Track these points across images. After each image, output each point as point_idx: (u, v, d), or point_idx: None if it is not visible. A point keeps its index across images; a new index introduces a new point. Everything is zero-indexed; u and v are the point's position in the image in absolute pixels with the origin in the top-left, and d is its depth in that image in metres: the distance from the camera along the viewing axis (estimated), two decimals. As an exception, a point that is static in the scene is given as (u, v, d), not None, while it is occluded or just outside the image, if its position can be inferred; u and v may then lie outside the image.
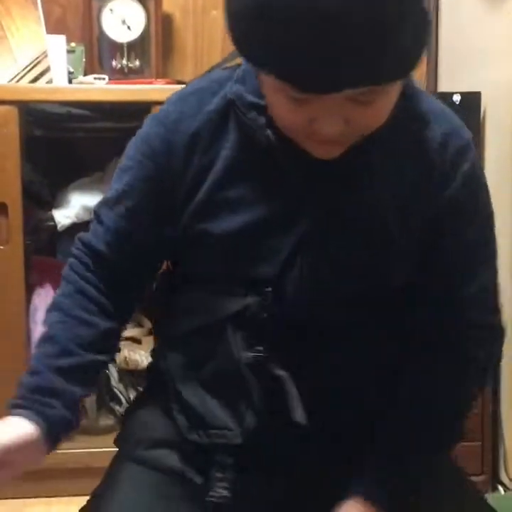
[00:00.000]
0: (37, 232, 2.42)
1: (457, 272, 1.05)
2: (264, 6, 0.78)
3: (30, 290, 2.33)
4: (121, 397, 2.42)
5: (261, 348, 1.02)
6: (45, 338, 1.07)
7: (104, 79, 2.37)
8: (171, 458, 1.09)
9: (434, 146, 1.01)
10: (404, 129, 1.00)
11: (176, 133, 1.02)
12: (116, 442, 1.16)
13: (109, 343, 1.11)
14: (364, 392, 1.06)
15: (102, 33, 2.52)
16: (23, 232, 2.23)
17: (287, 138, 0.95)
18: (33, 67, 2.32)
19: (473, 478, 2.14)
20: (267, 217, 1.00)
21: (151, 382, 1.21)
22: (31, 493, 2.26)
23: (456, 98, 2.33)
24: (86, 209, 2.35)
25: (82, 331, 1.07)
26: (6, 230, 2.22)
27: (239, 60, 1.01)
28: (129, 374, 2.45)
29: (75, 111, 2.38)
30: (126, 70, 2.52)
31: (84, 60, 2.51)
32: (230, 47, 0.90)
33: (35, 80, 2.31)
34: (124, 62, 2.52)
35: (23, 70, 2.31)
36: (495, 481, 2.32)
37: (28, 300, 2.32)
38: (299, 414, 1.00)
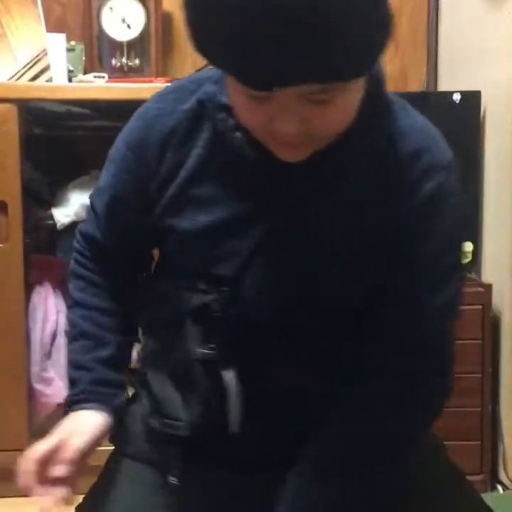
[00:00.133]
0: (36, 231, 2.42)
1: (403, 304, 1.03)
2: (212, 1, 0.79)
3: (29, 288, 2.33)
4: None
5: (214, 346, 1.04)
6: (78, 334, 1.14)
7: (103, 77, 2.38)
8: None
9: (402, 161, 0.99)
10: (375, 142, 0.99)
11: (152, 129, 1.05)
12: (111, 440, 1.17)
13: (131, 323, 1.18)
14: (309, 398, 1.06)
15: (101, 31, 2.52)
16: (23, 231, 2.24)
17: (256, 141, 0.95)
18: (32, 66, 2.32)
19: (473, 478, 2.15)
20: (230, 218, 1.02)
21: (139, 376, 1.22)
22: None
23: (456, 97, 2.32)
24: (85, 207, 2.35)
25: (106, 319, 1.14)
26: (5, 228, 2.22)
27: None
28: (128, 373, 2.45)
29: (74, 109, 2.38)
30: (125, 69, 2.52)
31: (84, 58, 2.51)
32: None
33: (34, 78, 2.31)
34: (124, 60, 2.52)
35: (23, 68, 2.32)
36: (494, 480, 2.32)
37: (28, 298, 2.32)
38: (233, 421, 1.04)
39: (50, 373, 2.34)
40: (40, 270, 2.39)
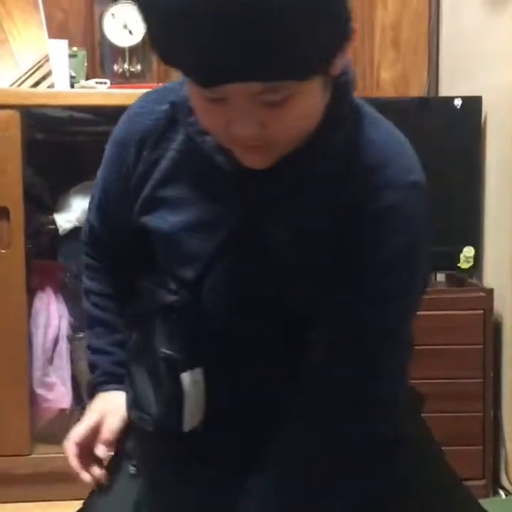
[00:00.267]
0: (38, 236, 2.42)
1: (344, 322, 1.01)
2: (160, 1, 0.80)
3: (31, 294, 2.33)
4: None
5: (176, 347, 1.05)
6: (92, 321, 1.21)
7: (105, 83, 2.38)
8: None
9: (361, 174, 0.98)
10: (336, 151, 0.98)
11: (132, 127, 1.07)
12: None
13: None
14: (268, 401, 1.07)
15: (103, 37, 2.53)
16: (25, 236, 2.24)
17: (222, 148, 0.97)
18: (34, 72, 2.33)
19: (474, 483, 2.15)
20: (196, 221, 1.03)
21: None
22: (32, 497, 2.26)
23: (457, 102, 2.33)
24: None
25: (114, 304, 1.20)
26: (7, 233, 2.22)
27: None
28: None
29: (76, 115, 2.39)
30: (127, 74, 2.53)
31: (86, 64, 2.52)
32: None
33: (37, 84, 2.31)
34: (126, 66, 2.53)
35: (25, 74, 2.32)
36: (496, 485, 2.32)
37: (30, 304, 2.32)
38: (186, 421, 1.05)
39: (52, 378, 2.34)
40: (42, 275, 2.39)
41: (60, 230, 2.38)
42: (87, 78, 2.49)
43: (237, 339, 1.06)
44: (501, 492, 2.30)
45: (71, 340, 2.35)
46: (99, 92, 2.31)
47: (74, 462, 1.10)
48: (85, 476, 1.10)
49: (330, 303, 1.01)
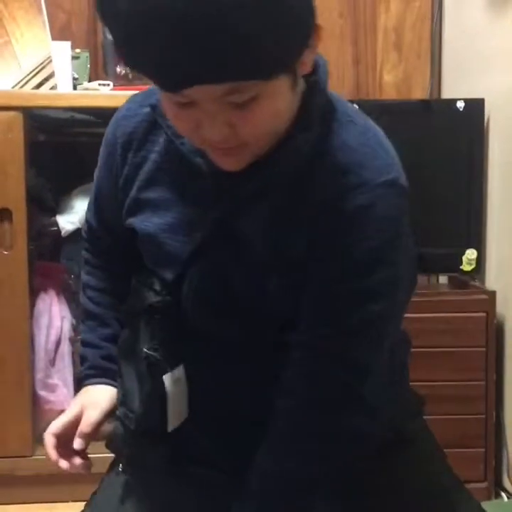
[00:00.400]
0: (41, 238, 2.42)
1: (317, 315, 1.00)
2: (114, 7, 0.81)
3: (33, 295, 2.33)
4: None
5: (159, 347, 1.06)
6: (85, 315, 1.23)
7: (108, 85, 2.38)
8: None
9: (330, 176, 0.98)
10: (304, 153, 0.98)
11: (119, 129, 1.09)
12: (108, 446, 1.18)
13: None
14: (246, 403, 1.08)
15: (106, 39, 2.52)
16: (27, 238, 2.24)
17: (199, 151, 0.97)
18: (37, 73, 2.33)
19: (477, 485, 2.15)
20: (175, 223, 1.04)
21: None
22: (33, 499, 2.26)
23: (460, 105, 2.33)
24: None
25: (107, 299, 1.21)
26: (10, 235, 2.22)
27: None
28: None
29: (78, 116, 2.39)
30: (130, 76, 2.52)
31: (88, 66, 2.52)
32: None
33: (39, 85, 2.31)
34: (129, 68, 2.52)
35: (28, 75, 2.32)
36: (498, 487, 2.31)
37: (32, 305, 2.32)
38: (170, 421, 1.06)
39: (54, 380, 2.34)
40: (44, 277, 2.39)
41: (63, 232, 2.38)
42: (90, 80, 2.49)
43: (219, 340, 1.07)
44: (503, 494, 2.29)
45: (73, 341, 2.35)
46: (102, 93, 2.31)
47: (51, 452, 1.10)
48: (63, 464, 1.11)
49: (308, 302, 1.00)
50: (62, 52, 2.36)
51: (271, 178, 0.98)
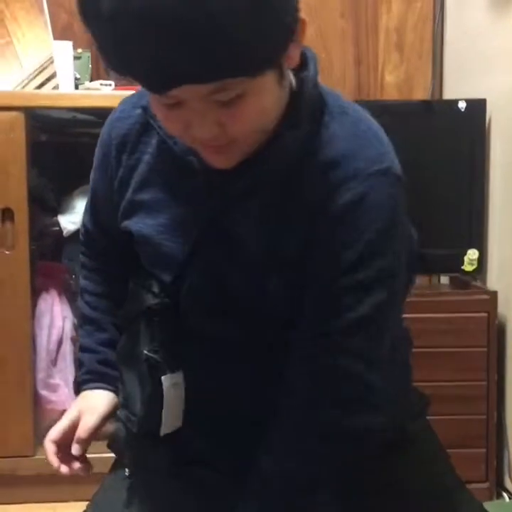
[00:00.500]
0: (42, 238, 2.42)
1: (322, 310, 1.00)
2: (96, 8, 0.81)
3: (35, 295, 2.34)
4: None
5: (158, 349, 1.06)
6: (82, 319, 1.23)
7: (110, 85, 2.38)
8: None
9: (321, 169, 0.97)
10: (295, 148, 0.98)
11: (112, 131, 1.09)
12: (110, 446, 1.18)
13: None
14: (246, 404, 1.08)
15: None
16: (29, 238, 2.24)
17: (191, 151, 0.97)
18: (39, 73, 2.33)
19: (478, 486, 2.15)
20: (170, 224, 1.04)
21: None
22: (35, 498, 2.27)
23: (462, 105, 2.33)
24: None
25: (103, 303, 1.21)
26: (11, 235, 2.22)
27: None
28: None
29: (80, 116, 2.39)
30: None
31: (90, 66, 2.52)
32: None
33: (41, 85, 2.31)
34: (131, 68, 2.52)
35: (30, 75, 2.32)
36: (500, 488, 2.31)
37: (34, 305, 2.32)
38: (164, 423, 1.06)
39: (56, 380, 2.34)
40: (46, 277, 2.39)
41: (64, 232, 2.39)
42: (92, 80, 2.49)
43: (218, 340, 1.07)
44: (505, 495, 2.29)
45: (75, 341, 2.35)
46: (104, 93, 2.32)
47: (52, 459, 1.11)
48: (63, 470, 1.12)
49: (307, 300, 1.00)
50: (63, 52, 2.36)
51: (260, 175, 0.98)
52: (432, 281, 2.69)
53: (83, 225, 1.24)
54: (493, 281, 2.38)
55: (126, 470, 1.13)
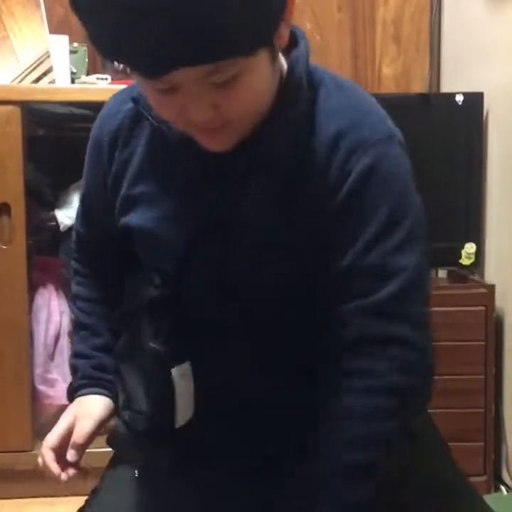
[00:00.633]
0: (39, 232, 2.42)
1: (354, 275, 0.98)
2: None
3: (32, 290, 2.33)
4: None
5: (163, 342, 1.05)
6: (76, 325, 1.21)
7: (106, 79, 2.38)
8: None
9: (326, 143, 0.97)
10: (294, 126, 0.98)
11: (103, 128, 1.09)
12: (109, 442, 1.17)
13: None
14: (254, 395, 1.07)
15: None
16: (26, 232, 2.24)
17: (187, 137, 0.97)
18: (35, 68, 2.32)
19: (476, 479, 2.15)
20: (169, 214, 1.04)
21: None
22: (34, 493, 2.27)
23: (459, 98, 2.32)
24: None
25: (98, 308, 1.19)
26: (8, 229, 2.22)
27: None
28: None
29: (76, 111, 2.38)
30: (128, 71, 2.51)
31: (86, 60, 2.51)
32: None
33: (37, 80, 2.31)
34: (127, 62, 2.52)
35: (26, 70, 2.32)
36: (497, 481, 2.32)
37: (31, 300, 2.32)
38: (179, 415, 1.05)
39: (54, 375, 2.34)
40: (43, 272, 2.39)
41: (61, 226, 2.38)
42: (88, 74, 2.48)
43: (221, 329, 1.06)
44: (502, 488, 2.30)
45: (72, 336, 2.35)
46: (100, 87, 2.31)
47: (52, 466, 1.08)
48: (63, 477, 1.09)
49: (342, 278, 0.98)
50: (60, 46, 2.35)
51: (257, 157, 0.98)
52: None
53: (75, 230, 1.23)
54: (491, 274, 2.38)
55: (136, 471, 1.12)
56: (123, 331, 1.13)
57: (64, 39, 2.39)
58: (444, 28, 2.79)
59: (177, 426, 1.06)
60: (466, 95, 2.33)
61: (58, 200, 2.44)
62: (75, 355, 1.19)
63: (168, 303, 1.06)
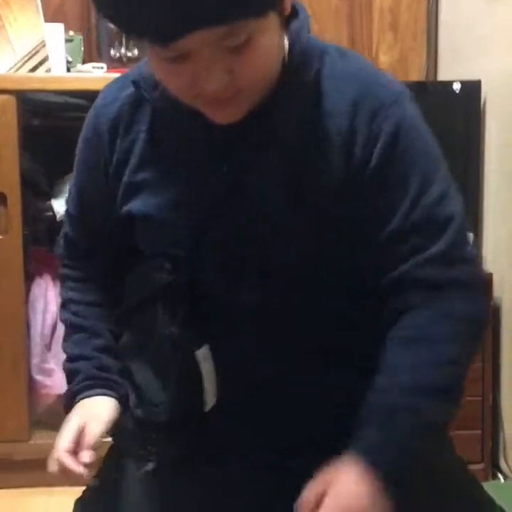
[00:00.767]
0: (36, 222, 2.42)
1: (399, 233, 0.99)
2: None
3: (29, 280, 2.33)
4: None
5: (181, 327, 1.03)
6: (70, 330, 1.16)
7: (102, 68, 2.37)
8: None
9: (342, 110, 0.98)
10: (302, 95, 0.98)
11: (100, 118, 1.07)
12: (114, 438, 1.17)
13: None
14: (277, 377, 1.05)
15: (100, 21, 2.51)
16: (22, 222, 2.23)
17: (194, 114, 0.96)
18: (31, 57, 2.31)
19: (473, 467, 2.16)
20: (176, 198, 1.02)
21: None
22: (31, 483, 2.27)
23: (456, 86, 2.32)
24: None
25: (95, 311, 1.15)
26: (4, 219, 2.22)
27: None
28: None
29: (72, 100, 2.37)
30: (124, 59, 2.51)
31: (82, 48, 2.50)
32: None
33: (33, 69, 2.30)
34: (123, 51, 2.52)
35: (22, 59, 2.31)
36: (494, 469, 2.32)
37: (27, 290, 2.32)
38: (209, 398, 1.04)
39: (51, 364, 2.34)
40: (39, 262, 2.38)
41: (58, 216, 2.37)
42: (84, 63, 2.47)
43: (238, 311, 1.04)
44: (500, 476, 2.31)
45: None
46: (96, 76, 2.30)
47: (76, 469, 1.03)
48: (86, 473, 1.05)
49: (388, 239, 0.99)
50: (55, 35, 2.34)
51: (267, 127, 0.98)
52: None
53: (65, 235, 1.18)
54: (488, 263, 2.38)
55: (149, 464, 1.08)
56: (126, 329, 1.12)
57: (59, 28, 2.38)
58: (441, 15, 2.78)
59: (206, 409, 1.04)
60: (464, 83, 2.32)
61: (54, 190, 2.43)
62: (72, 358, 1.13)
63: (181, 287, 1.04)
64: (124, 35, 2.50)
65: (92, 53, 2.53)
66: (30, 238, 2.35)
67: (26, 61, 2.31)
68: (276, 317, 1.04)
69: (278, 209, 0.99)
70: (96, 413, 1.08)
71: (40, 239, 2.45)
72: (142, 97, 1.02)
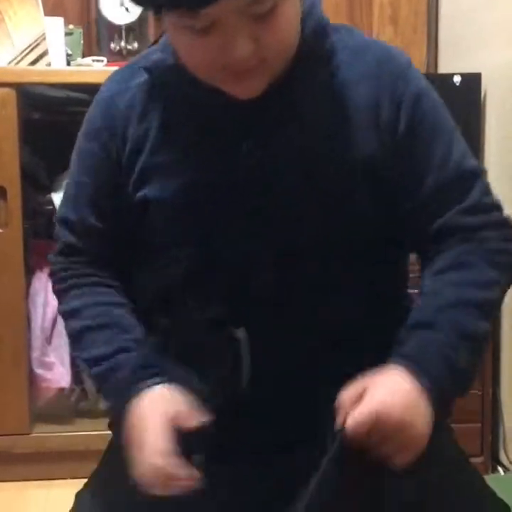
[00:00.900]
0: (36, 216, 2.42)
1: (427, 192, 1.03)
2: None
3: (29, 273, 2.33)
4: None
5: (214, 310, 1.02)
6: (95, 329, 1.07)
7: (102, 61, 2.37)
8: None
9: (366, 75, 1.02)
10: (323, 66, 1.01)
11: (111, 109, 1.07)
12: (111, 426, 1.16)
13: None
14: (314, 354, 1.03)
15: (100, 15, 2.50)
16: (22, 216, 2.23)
17: (212, 92, 0.96)
18: (31, 50, 2.31)
19: (473, 460, 2.15)
20: (193, 180, 1.01)
21: None
22: (32, 476, 2.27)
23: (457, 79, 2.31)
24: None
25: (119, 312, 1.08)
26: (4, 213, 2.22)
27: None
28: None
29: (73, 94, 2.37)
30: (124, 52, 2.51)
31: (82, 42, 2.50)
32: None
33: (33, 62, 2.30)
34: (123, 44, 2.51)
35: (22, 53, 2.30)
36: (494, 462, 2.33)
37: (28, 283, 2.32)
38: (246, 377, 1.01)
39: (51, 358, 2.34)
40: (39, 255, 2.38)
41: (57, 210, 2.37)
42: (84, 56, 2.47)
43: (271, 296, 1.02)
44: (500, 469, 2.31)
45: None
46: (96, 70, 2.30)
47: (186, 475, 0.94)
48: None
49: (424, 199, 1.02)
50: (55, 29, 2.34)
51: (288, 98, 0.99)
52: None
53: (64, 243, 1.15)
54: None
55: (195, 457, 0.99)
56: (160, 317, 1.08)
57: (59, 21, 2.38)
58: (442, 9, 2.78)
59: (244, 386, 1.01)
60: (464, 76, 2.32)
61: (54, 184, 2.43)
62: (104, 356, 1.03)
63: (212, 273, 1.02)
64: (124, 29, 2.49)
65: (91, 47, 2.52)
66: (30, 232, 2.35)
67: (26, 55, 2.31)
68: (293, 300, 1.03)
69: (295, 185, 0.99)
70: (173, 401, 0.98)
71: (40, 232, 2.45)
72: (155, 83, 1.03)
